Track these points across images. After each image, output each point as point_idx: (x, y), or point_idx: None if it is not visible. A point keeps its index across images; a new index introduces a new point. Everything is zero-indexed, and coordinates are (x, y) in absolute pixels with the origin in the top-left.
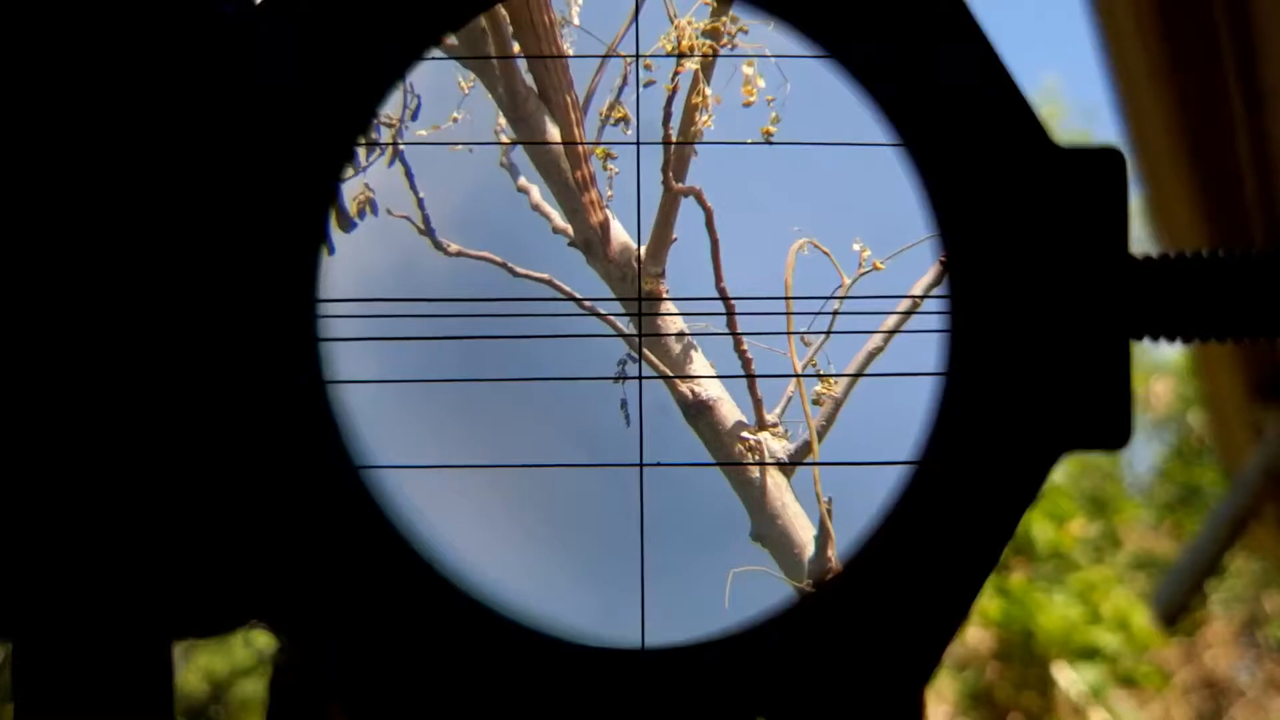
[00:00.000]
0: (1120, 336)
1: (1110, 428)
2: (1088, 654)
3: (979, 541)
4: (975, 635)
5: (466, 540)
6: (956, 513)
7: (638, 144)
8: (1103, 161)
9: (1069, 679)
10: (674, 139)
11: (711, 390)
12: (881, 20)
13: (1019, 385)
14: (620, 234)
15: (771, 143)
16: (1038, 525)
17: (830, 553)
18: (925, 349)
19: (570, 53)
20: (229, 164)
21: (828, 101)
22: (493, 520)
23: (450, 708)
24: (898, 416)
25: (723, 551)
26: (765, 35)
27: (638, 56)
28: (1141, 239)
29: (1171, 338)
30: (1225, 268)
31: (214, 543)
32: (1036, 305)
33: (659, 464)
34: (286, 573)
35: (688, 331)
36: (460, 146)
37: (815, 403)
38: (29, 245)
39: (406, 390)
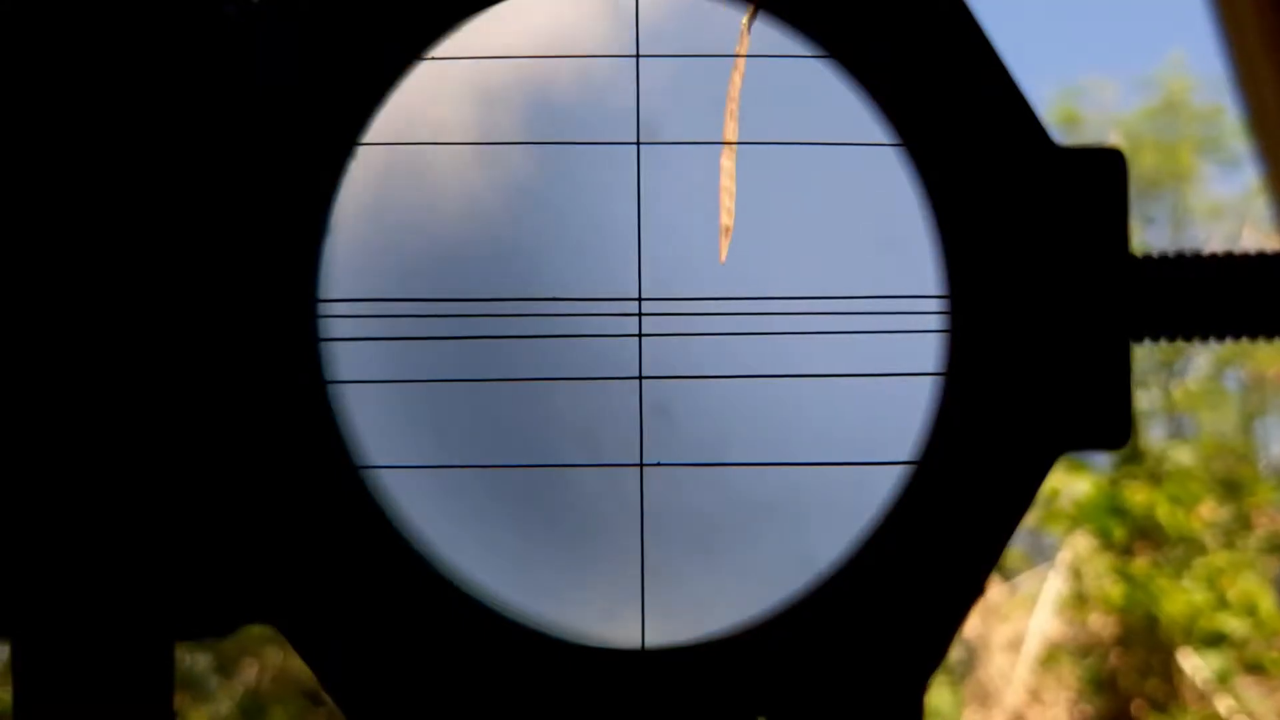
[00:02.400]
0: (1120, 336)
1: (1109, 427)
2: (1214, 640)
3: (978, 541)
4: (1098, 621)
5: (466, 540)
6: (956, 513)
7: (638, 143)
8: (1103, 162)
9: (1194, 665)
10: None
11: None
12: (881, 20)
13: (1018, 385)
14: None
15: (772, 143)
16: (1162, 509)
17: None
18: (925, 349)
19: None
20: (229, 164)
21: (828, 101)
22: (493, 520)
23: (450, 708)
24: (898, 416)
25: (723, 550)
26: (767, 34)
27: (638, 56)
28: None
29: (1172, 338)
30: (1225, 268)
31: (214, 543)
32: (1036, 305)
33: (659, 464)
34: (287, 573)
35: (694, 332)
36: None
37: None
38: (29, 245)
39: (406, 389)
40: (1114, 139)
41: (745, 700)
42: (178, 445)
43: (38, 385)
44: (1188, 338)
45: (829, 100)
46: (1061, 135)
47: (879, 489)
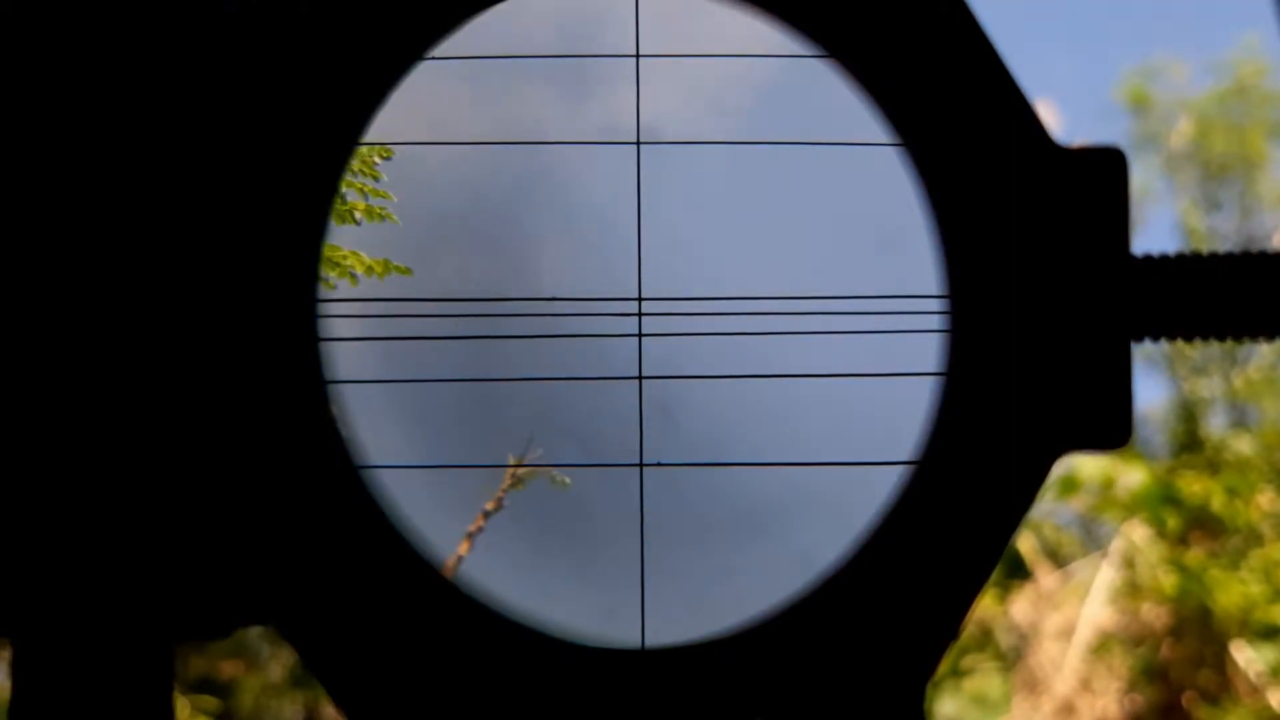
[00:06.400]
0: (1120, 336)
1: (1110, 427)
2: (1268, 633)
3: (979, 541)
4: (1150, 611)
5: (465, 540)
6: (956, 513)
7: (638, 144)
8: (1103, 162)
9: (1248, 658)
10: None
11: None
12: (881, 20)
13: (1018, 385)
14: None
15: (773, 143)
16: (1218, 499)
17: None
18: (925, 349)
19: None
20: (230, 163)
21: (829, 101)
22: (492, 520)
23: (450, 707)
24: (898, 416)
25: (723, 550)
26: (767, 34)
27: (638, 56)
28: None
29: (1172, 338)
30: (1225, 268)
31: (214, 543)
32: (1036, 305)
33: (659, 464)
34: (286, 573)
35: (692, 331)
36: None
37: None
38: (30, 245)
39: (406, 389)
40: (1184, 122)
41: (745, 700)
42: (177, 445)
43: (38, 385)
44: (1188, 338)
45: (829, 100)
46: (1132, 116)
47: (879, 489)
